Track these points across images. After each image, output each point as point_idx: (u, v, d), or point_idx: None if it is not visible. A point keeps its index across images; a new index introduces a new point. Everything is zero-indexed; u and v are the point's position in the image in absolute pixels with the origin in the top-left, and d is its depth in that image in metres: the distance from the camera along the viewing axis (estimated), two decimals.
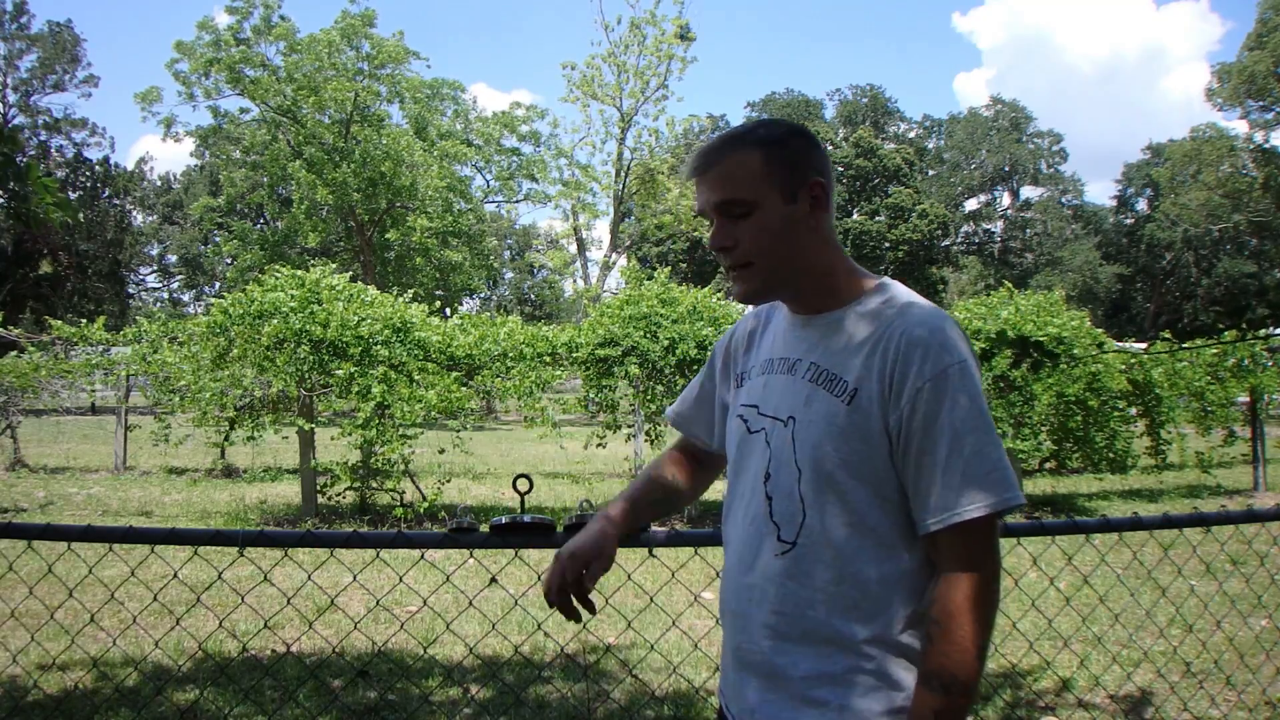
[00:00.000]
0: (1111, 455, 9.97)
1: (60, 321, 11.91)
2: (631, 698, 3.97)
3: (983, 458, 1.32)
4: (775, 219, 1.43)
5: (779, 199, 1.43)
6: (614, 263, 30.94)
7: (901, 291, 1.46)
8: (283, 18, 28.47)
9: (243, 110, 30.42)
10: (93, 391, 14.73)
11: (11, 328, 12.59)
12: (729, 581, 1.51)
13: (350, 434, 7.89)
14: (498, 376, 8.78)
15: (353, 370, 7.90)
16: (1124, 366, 10.18)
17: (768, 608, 1.41)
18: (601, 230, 34.62)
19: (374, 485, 8.55)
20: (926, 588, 1.37)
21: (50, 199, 3.44)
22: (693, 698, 3.93)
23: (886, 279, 1.50)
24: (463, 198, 30.69)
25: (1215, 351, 11.01)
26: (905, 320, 1.38)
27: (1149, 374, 10.35)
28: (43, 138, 40.64)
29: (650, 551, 2.21)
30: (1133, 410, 10.70)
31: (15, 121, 39.96)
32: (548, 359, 8.93)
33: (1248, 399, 11.40)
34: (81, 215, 40.05)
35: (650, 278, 9.75)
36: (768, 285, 1.47)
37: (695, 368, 8.81)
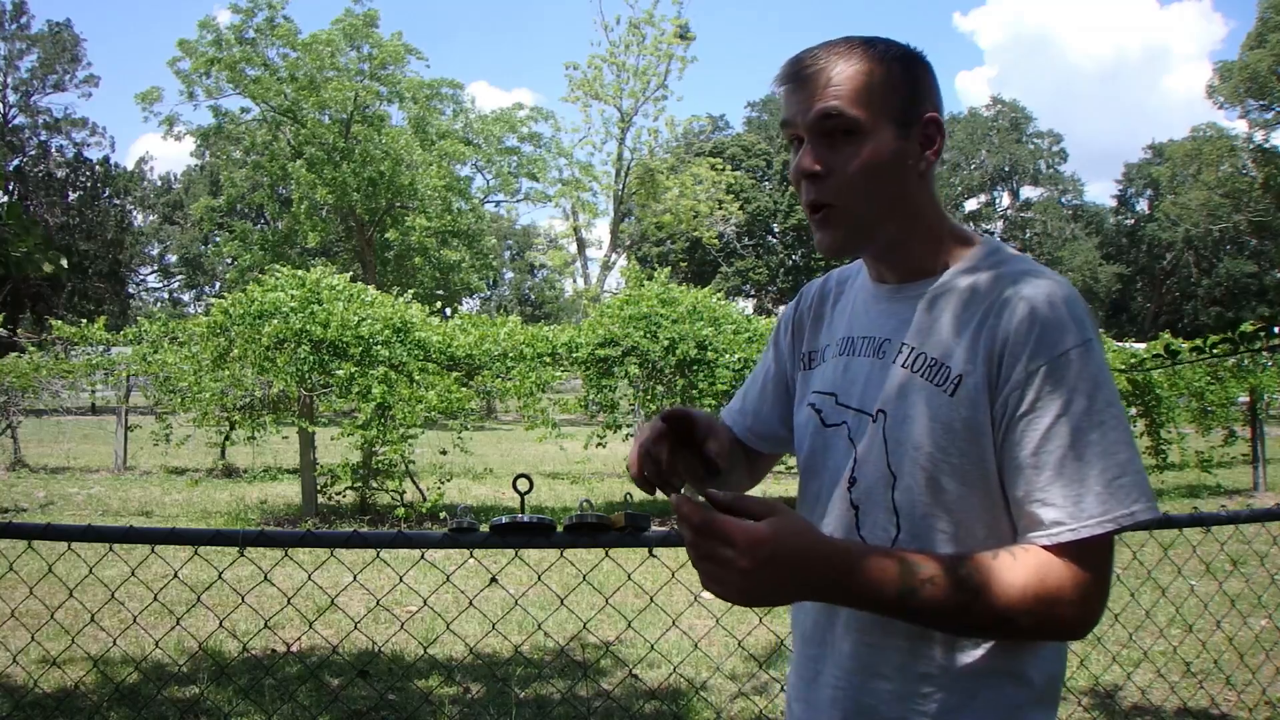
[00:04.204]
0: None
1: (60, 321, 11.92)
2: (631, 697, 3.98)
3: (1109, 460, 1.06)
4: (885, 151, 1.15)
5: (893, 129, 1.15)
6: (614, 263, 30.95)
7: (1013, 255, 1.21)
8: (286, 18, 28.49)
9: (243, 110, 30.44)
10: (93, 392, 14.75)
11: (12, 327, 12.60)
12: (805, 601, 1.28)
13: (351, 434, 7.89)
14: (498, 377, 8.78)
15: (353, 370, 7.90)
16: (1124, 366, 10.19)
17: (855, 637, 1.19)
18: (601, 230, 34.66)
19: (374, 485, 8.56)
20: None
21: (31, 245, 3.00)
22: (692, 697, 3.93)
23: (994, 240, 1.25)
24: (462, 197, 30.70)
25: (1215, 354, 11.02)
26: (1019, 291, 1.12)
27: (1149, 374, 10.36)
28: (43, 138, 40.68)
29: (650, 551, 2.21)
30: (1133, 410, 10.71)
31: (15, 121, 39.99)
32: (548, 359, 8.93)
33: (1248, 399, 11.41)
34: (80, 215, 40.09)
35: (650, 278, 9.76)
36: (858, 234, 1.20)
37: (695, 368, 8.82)
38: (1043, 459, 1.08)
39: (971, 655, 1.13)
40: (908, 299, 1.22)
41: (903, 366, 1.18)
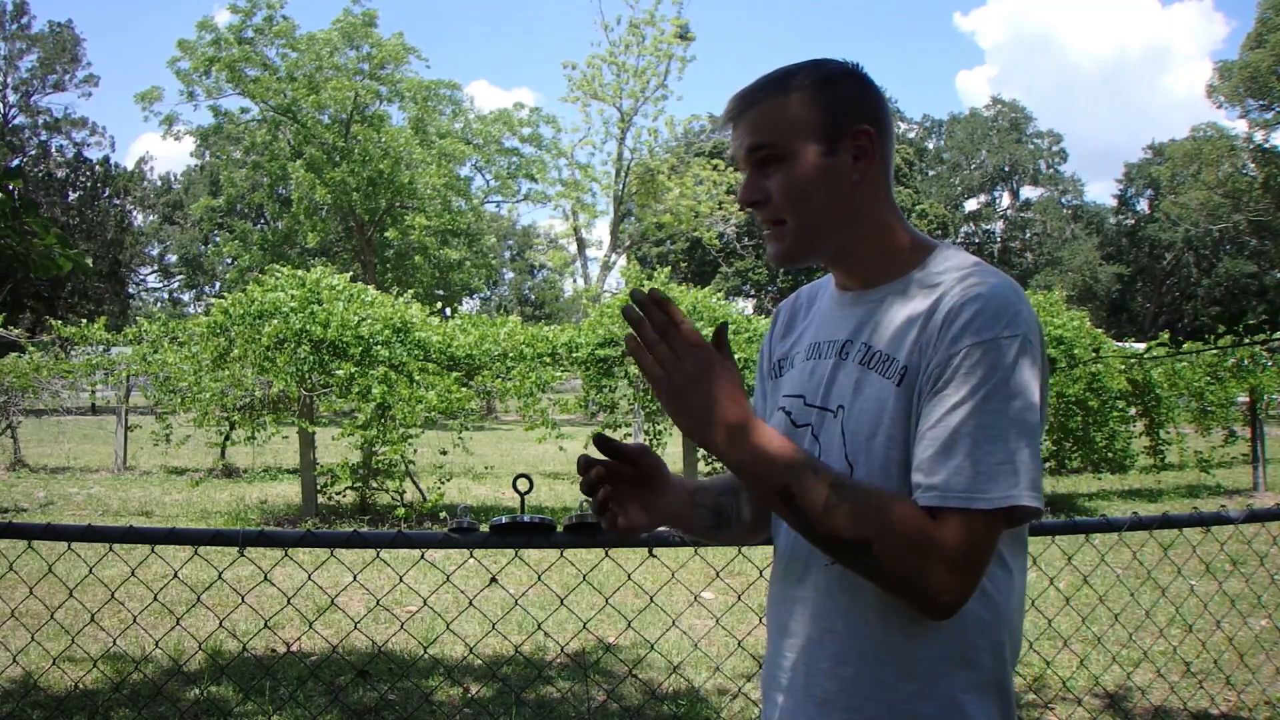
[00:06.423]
0: (1111, 455, 9.98)
1: (60, 321, 11.92)
2: (632, 697, 3.98)
3: (998, 444, 1.10)
4: (809, 171, 1.24)
5: (816, 149, 1.24)
6: (614, 263, 30.95)
7: (966, 257, 1.26)
8: (284, 17, 28.48)
9: (243, 110, 30.45)
10: (93, 392, 14.75)
11: (12, 328, 12.61)
12: (776, 591, 1.35)
13: (351, 434, 7.89)
14: (498, 377, 8.78)
15: (353, 370, 7.90)
16: (1123, 366, 10.19)
17: (820, 623, 1.24)
18: (601, 230, 34.64)
19: (374, 485, 8.56)
20: (1002, 594, 1.19)
21: (53, 240, 3.21)
22: (693, 697, 3.93)
23: (951, 244, 1.31)
24: (462, 196, 30.70)
25: (1215, 352, 11.02)
26: (963, 284, 1.18)
27: (1149, 374, 10.37)
28: (43, 138, 40.70)
29: (650, 551, 2.22)
30: (1132, 410, 10.71)
31: (15, 121, 39.99)
32: (548, 359, 8.93)
33: (1247, 399, 11.41)
34: (81, 215, 40.07)
35: (650, 278, 9.76)
36: (801, 246, 1.29)
37: None
38: (937, 431, 1.12)
39: (929, 643, 1.17)
40: (868, 302, 1.29)
41: (857, 363, 1.26)
